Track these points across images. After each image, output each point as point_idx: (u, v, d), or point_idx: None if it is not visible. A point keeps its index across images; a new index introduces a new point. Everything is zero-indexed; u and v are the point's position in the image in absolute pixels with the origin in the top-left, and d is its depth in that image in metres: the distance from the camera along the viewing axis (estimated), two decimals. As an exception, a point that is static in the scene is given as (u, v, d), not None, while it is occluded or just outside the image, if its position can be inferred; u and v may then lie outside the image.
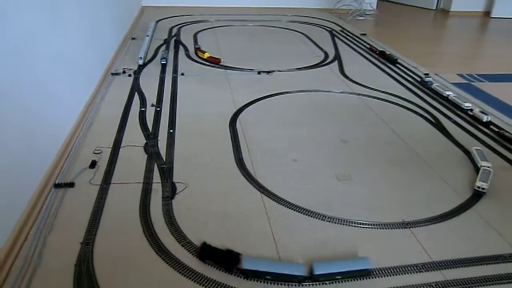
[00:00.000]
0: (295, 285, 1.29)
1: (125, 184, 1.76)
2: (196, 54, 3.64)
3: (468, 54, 4.28)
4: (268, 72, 3.25)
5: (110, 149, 2.03)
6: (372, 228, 1.55)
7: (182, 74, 3.12)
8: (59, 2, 2.12)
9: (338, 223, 1.57)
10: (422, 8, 6.80)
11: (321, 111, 2.59)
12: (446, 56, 4.23)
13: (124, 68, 3.19)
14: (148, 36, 4.06)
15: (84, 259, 1.35)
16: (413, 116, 2.58)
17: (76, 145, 2.06)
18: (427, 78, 3.16)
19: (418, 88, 3.07)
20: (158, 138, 2.15)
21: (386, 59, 3.74)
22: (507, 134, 2.31)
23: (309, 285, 1.30)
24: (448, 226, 1.58)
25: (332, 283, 1.30)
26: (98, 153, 1.98)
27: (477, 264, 1.40)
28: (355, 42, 4.36)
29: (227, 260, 1.34)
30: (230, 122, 2.36)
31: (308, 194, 1.74)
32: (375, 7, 6.26)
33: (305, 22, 5.28)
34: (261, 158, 2.01)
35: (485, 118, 2.48)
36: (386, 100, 2.80)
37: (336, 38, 4.49)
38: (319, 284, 1.30)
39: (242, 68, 3.33)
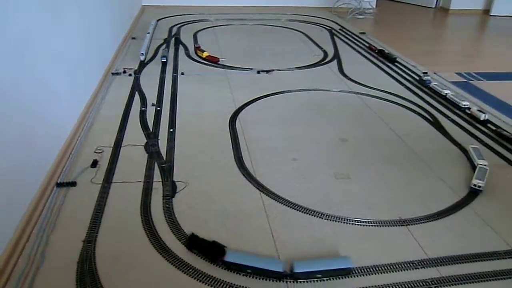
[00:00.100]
0: (276, 281, 1.32)
1: (126, 183, 1.78)
2: (196, 53, 3.66)
3: (467, 53, 4.29)
4: (267, 71, 3.27)
5: (111, 148, 2.05)
6: (369, 225, 1.58)
7: (182, 74, 3.15)
8: (59, 2, 2.14)
9: (336, 221, 1.59)
10: (422, 6, 6.81)
11: (320, 110, 2.61)
12: (445, 54, 4.25)
13: (124, 68, 3.21)
14: (149, 33, 4.11)
15: (86, 257, 1.38)
16: (411, 115, 2.60)
17: (78, 144, 2.08)
18: (426, 77, 3.18)
19: (417, 86, 3.09)
20: (159, 138, 2.17)
21: (385, 58, 3.76)
22: (504, 132, 2.33)
23: (289, 282, 1.32)
24: (445, 223, 1.61)
25: (314, 281, 1.32)
26: (99, 153, 2.01)
27: (472, 261, 1.42)
28: (354, 41, 4.38)
29: (212, 251, 1.39)
30: (230, 121, 2.39)
31: (306, 192, 1.77)
32: (374, 6, 6.27)
33: (304, 21, 5.29)
34: (260, 157, 2.03)
35: (482, 117, 2.50)
36: (385, 99, 2.82)
37: (335, 37, 4.51)
38: (304, 282, 1.32)
39: (242, 68, 3.35)
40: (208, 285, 1.30)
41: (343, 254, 1.43)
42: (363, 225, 1.58)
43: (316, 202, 1.70)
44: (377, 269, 1.37)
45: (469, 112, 2.62)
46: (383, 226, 1.58)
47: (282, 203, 1.68)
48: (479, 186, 1.78)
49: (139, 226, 1.53)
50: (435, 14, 6.37)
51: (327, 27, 4.98)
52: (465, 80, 3.33)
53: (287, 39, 4.37)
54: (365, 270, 1.36)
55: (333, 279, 1.33)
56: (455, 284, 1.32)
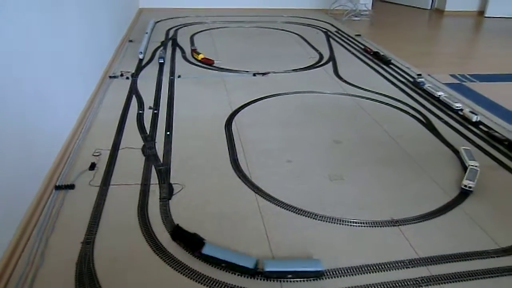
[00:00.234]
0: (248, 277, 1.36)
1: (123, 186, 1.82)
2: (192, 55, 3.70)
3: (461, 54, 4.34)
4: (263, 74, 3.31)
5: (109, 151, 2.08)
6: (362, 226, 1.61)
7: (179, 77, 3.18)
8: (57, 5, 2.17)
9: (329, 222, 1.63)
10: (417, 8, 6.86)
11: (315, 112, 2.65)
12: (439, 56, 4.30)
13: (122, 71, 3.24)
14: (147, 33, 4.21)
15: (85, 258, 1.41)
16: (405, 117, 2.64)
17: (76, 147, 2.11)
18: (420, 79, 3.23)
19: (411, 88, 3.13)
20: (156, 140, 2.21)
21: (380, 60, 3.80)
22: (495, 133, 2.37)
23: (260, 279, 1.35)
24: (435, 223, 1.65)
25: (286, 281, 1.35)
26: (97, 156, 2.04)
27: (462, 260, 1.46)
28: (350, 43, 4.42)
29: (191, 243, 1.45)
30: (226, 124, 2.42)
31: (301, 194, 1.80)
32: (370, 8, 6.32)
33: (300, 23, 5.34)
34: (256, 159, 2.07)
35: (474, 118, 2.54)
36: (379, 101, 2.86)
37: (331, 39, 4.55)
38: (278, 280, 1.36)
39: (238, 70, 3.39)
40: (205, 285, 1.33)
41: (335, 255, 1.46)
42: (356, 225, 1.62)
43: (310, 203, 1.73)
44: (368, 268, 1.41)
45: (461, 113, 2.66)
46: (375, 226, 1.62)
47: (276, 205, 1.72)
48: (470, 187, 1.82)
49: (137, 227, 1.57)
50: (431, 15, 6.43)
51: (323, 29, 5.02)
52: (459, 82, 3.38)
53: (283, 41, 4.41)
54: (357, 269, 1.40)
55: (324, 278, 1.36)
56: (444, 283, 1.35)
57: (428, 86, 3.08)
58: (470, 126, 2.52)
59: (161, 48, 3.89)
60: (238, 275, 1.36)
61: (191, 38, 4.40)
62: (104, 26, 3.41)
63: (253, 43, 4.30)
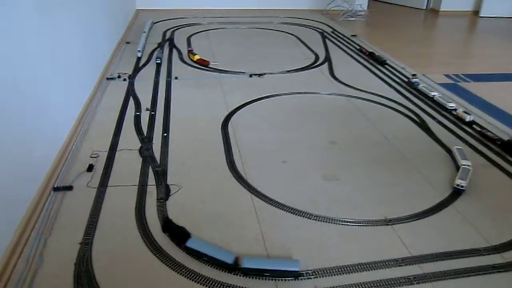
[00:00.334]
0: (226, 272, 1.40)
1: (121, 187, 1.84)
2: (189, 56, 3.73)
3: (456, 54, 4.38)
4: (259, 75, 3.33)
5: (107, 153, 2.11)
6: (356, 225, 1.64)
7: (176, 78, 3.20)
8: (54, 8, 2.19)
9: (323, 221, 1.66)
10: (413, 8, 6.90)
11: (311, 113, 2.68)
12: (434, 56, 4.33)
13: (119, 73, 3.26)
14: (145, 32, 4.33)
15: (83, 258, 1.43)
16: (399, 117, 2.67)
17: (74, 149, 2.14)
18: (414, 79, 3.26)
19: (405, 89, 3.16)
20: (153, 142, 2.23)
21: (375, 60, 3.83)
22: (488, 133, 2.41)
23: (239, 275, 1.39)
24: (428, 222, 1.68)
25: (264, 279, 1.38)
26: (95, 157, 2.06)
27: (453, 258, 1.49)
28: (346, 44, 4.45)
29: (178, 236, 1.50)
30: (222, 125, 2.45)
31: (296, 194, 1.83)
32: (366, 8, 6.35)
33: (297, 24, 5.36)
34: (251, 159, 2.09)
35: (468, 118, 2.57)
36: (374, 101, 2.89)
37: (327, 40, 4.58)
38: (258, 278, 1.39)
39: (234, 71, 3.41)
40: (202, 284, 1.35)
41: (330, 253, 1.49)
42: (350, 224, 1.65)
43: (304, 203, 1.76)
44: (362, 267, 1.43)
45: (455, 113, 2.69)
46: (369, 225, 1.65)
47: (272, 205, 1.75)
48: (462, 186, 1.85)
49: (134, 228, 1.59)
50: (426, 15, 6.46)
51: (319, 30, 5.05)
52: (453, 82, 3.41)
53: (279, 42, 4.44)
54: (351, 268, 1.43)
55: (319, 277, 1.39)
56: (436, 280, 1.38)
57: (423, 86, 3.11)
58: (463, 126, 2.55)
59: (158, 49, 3.93)
60: (223, 271, 1.40)
61: (188, 39, 4.42)
62: (101, 28, 3.43)
63: (250, 44, 4.32)
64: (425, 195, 1.85)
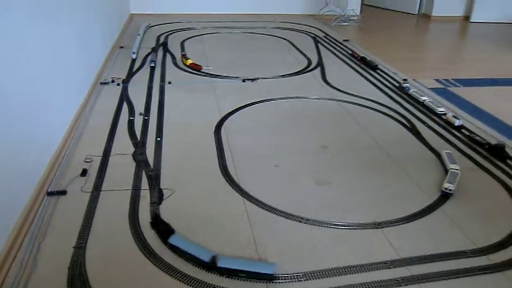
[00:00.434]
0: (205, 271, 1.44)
1: (115, 191, 1.86)
2: (182, 61, 3.77)
3: (446, 59, 4.44)
4: (252, 80, 3.37)
5: (100, 157, 2.13)
6: (346, 228, 1.67)
7: (170, 83, 3.23)
8: (48, 12, 2.21)
9: (314, 225, 1.68)
10: (405, 13, 6.97)
11: (303, 117, 2.71)
12: (425, 61, 4.39)
13: (113, 77, 3.28)
14: (139, 35, 4.43)
15: (77, 262, 1.45)
16: (390, 121, 2.71)
17: (67, 154, 2.15)
18: (405, 84, 3.30)
19: (396, 93, 3.20)
20: (146, 146, 2.25)
21: (367, 65, 3.88)
22: (476, 137, 2.45)
23: (215, 274, 1.43)
24: (417, 225, 1.71)
25: (240, 279, 1.41)
26: (88, 162, 2.08)
27: (441, 260, 1.52)
28: (338, 48, 4.50)
29: (162, 232, 1.57)
30: (215, 130, 2.47)
31: (287, 198, 1.86)
32: (358, 13, 6.41)
33: (290, 29, 5.41)
34: (244, 164, 2.12)
35: (457, 122, 2.62)
36: (365, 106, 2.93)
37: (319, 44, 4.62)
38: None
39: (227, 76, 3.45)
40: (194, 287, 1.37)
41: (320, 256, 1.52)
42: (340, 228, 1.68)
43: (296, 207, 1.79)
44: (351, 269, 1.46)
45: (444, 118, 2.74)
46: (359, 228, 1.68)
47: (263, 209, 1.77)
48: (450, 190, 1.89)
49: (128, 232, 1.61)
50: (418, 20, 6.54)
51: (311, 35, 5.10)
52: (443, 87, 3.46)
53: (272, 47, 4.48)
54: (341, 270, 1.46)
55: (311, 278, 1.42)
56: (423, 282, 1.42)
57: (413, 91, 3.16)
58: (452, 130, 2.60)
59: (152, 53, 3.95)
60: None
61: (182, 44, 4.45)
62: (95, 33, 3.45)
63: (243, 49, 4.36)
64: (414, 199, 1.89)
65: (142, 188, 1.89)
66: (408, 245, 1.59)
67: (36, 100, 1.93)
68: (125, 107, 2.76)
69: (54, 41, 2.29)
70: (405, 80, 3.49)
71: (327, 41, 4.83)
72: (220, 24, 5.55)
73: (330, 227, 1.68)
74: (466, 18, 6.52)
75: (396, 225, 1.71)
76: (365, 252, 1.55)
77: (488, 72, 3.89)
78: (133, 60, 3.77)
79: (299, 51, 4.30)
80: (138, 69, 3.53)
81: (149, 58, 3.79)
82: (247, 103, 2.88)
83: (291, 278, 1.42)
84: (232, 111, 2.75)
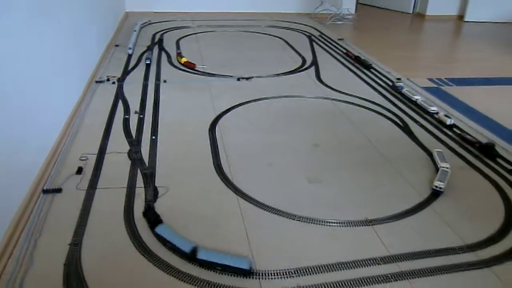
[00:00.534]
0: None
1: (110, 189, 1.88)
2: (177, 59, 3.79)
3: (440, 59, 4.47)
4: (247, 78, 3.39)
5: (96, 155, 2.14)
6: (337, 226, 1.70)
7: (165, 81, 3.25)
8: (42, 12, 2.22)
9: (306, 222, 1.71)
10: (399, 12, 7.01)
11: (296, 116, 2.74)
12: (419, 60, 4.43)
13: (108, 76, 3.29)
14: (135, 31, 4.52)
15: (72, 259, 1.47)
16: (383, 120, 2.74)
17: (63, 152, 2.17)
18: (398, 83, 3.34)
19: (389, 92, 3.24)
20: (141, 145, 2.27)
21: (361, 64, 3.91)
22: (467, 136, 2.49)
23: (194, 265, 1.47)
24: (407, 222, 1.74)
25: (218, 272, 1.45)
26: (84, 160, 2.10)
27: (430, 256, 1.55)
28: (333, 47, 4.53)
29: (151, 221, 1.65)
30: (209, 128, 2.50)
31: (280, 196, 1.89)
32: (353, 12, 6.44)
33: (285, 27, 5.43)
34: (238, 162, 2.14)
35: (448, 121, 2.66)
36: (358, 105, 2.96)
37: (314, 43, 4.65)
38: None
39: (222, 75, 3.47)
40: (189, 283, 1.40)
41: (312, 253, 1.55)
42: (332, 225, 1.71)
43: (289, 205, 1.82)
44: (342, 265, 1.49)
45: (436, 117, 2.77)
46: (350, 226, 1.71)
47: (257, 206, 1.80)
48: (440, 188, 1.92)
49: (123, 229, 1.63)
50: (412, 19, 6.57)
51: (306, 33, 5.13)
52: (436, 86, 3.50)
53: (267, 46, 4.50)
54: (332, 266, 1.49)
55: (302, 274, 1.45)
56: (412, 278, 1.45)
57: (406, 90, 3.19)
58: (444, 129, 2.63)
59: (148, 51, 3.97)
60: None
61: (177, 42, 4.46)
62: (90, 31, 3.45)
63: (238, 48, 4.38)
64: (405, 197, 1.92)
65: (137, 186, 1.91)
66: (398, 242, 1.62)
67: (32, 98, 1.94)
68: (120, 105, 2.77)
69: (49, 40, 2.30)
70: (398, 79, 3.52)
71: (322, 40, 4.86)
72: (216, 22, 5.57)
73: (322, 225, 1.71)
74: (460, 17, 6.56)
75: (387, 222, 1.74)
76: (356, 249, 1.58)
77: (482, 72, 3.93)
78: (129, 59, 3.78)
79: (294, 50, 4.32)
80: (133, 68, 3.55)
81: (144, 56, 3.81)
82: (242, 102, 2.91)
83: (283, 274, 1.45)
84: (227, 110, 2.77)
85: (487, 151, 2.30)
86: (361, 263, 1.51)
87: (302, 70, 3.68)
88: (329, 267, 1.49)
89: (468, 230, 1.71)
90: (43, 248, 1.52)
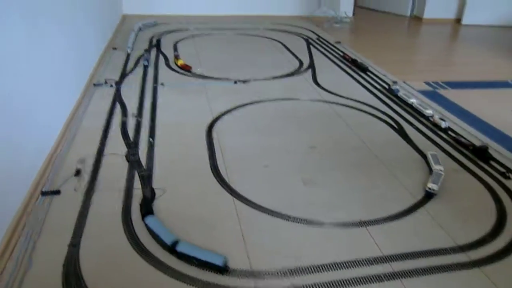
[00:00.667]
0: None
1: (108, 191, 1.90)
2: (174, 62, 3.83)
3: (437, 62, 4.51)
4: (244, 81, 3.42)
5: (94, 158, 2.17)
6: (331, 227, 1.73)
7: (162, 84, 3.27)
8: (40, 15, 2.24)
9: (301, 223, 1.74)
10: (397, 15, 7.06)
11: (292, 118, 2.77)
12: (415, 63, 4.47)
13: (106, 79, 3.32)
14: (134, 31, 4.65)
15: (71, 259, 1.49)
16: (378, 123, 2.77)
17: (61, 155, 2.19)
18: (394, 86, 3.37)
19: (386, 95, 3.27)
20: (139, 147, 2.30)
21: (358, 67, 3.94)
22: (462, 139, 2.52)
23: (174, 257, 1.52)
24: (400, 224, 1.77)
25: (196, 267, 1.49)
26: (82, 162, 2.12)
27: (422, 257, 1.58)
28: (330, 50, 4.56)
29: (143, 211, 1.73)
30: (207, 131, 2.52)
31: (276, 197, 1.91)
32: (351, 15, 6.49)
33: (282, 30, 5.47)
34: (234, 164, 2.17)
35: (443, 125, 2.69)
36: (355, 108, 2.99)
37: (311, 46, 4.68)
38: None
39: (219, 78, 3.50)
40: (186, 284, 1.42)
41: (307, 253, 1.58)
42: (326, 226, 1.73)
43: (284, 206, 1.84)
44: (336, 266, 1.52)
45: (431, 120, 2.80)
46: (344, 227, 1.74)
47: (253, 208, 1.83)
48: (434, 190, 1.95)
49: (121, 230, 1.66)
50: (410, 23, 6.62)
51: (304, 36, 5.16)
52: (432, 89, 3.53)
53: (264, 49, 4.54)
54: (325, 267, 1.51)
55: (297, 274, 1.47)
56: (404, 277, 1.48)
57: (402, 93, 3.23)
58: (439, 132, 2.66)
59: (145, 53, 4.00)
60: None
61: (175, 45, 4.49)
62: (88, 34, 3.48)
63: (235, 51, 4.41)
64: (399, 199, 1.95)
65: (134, 187, 1.93)
66: (391, 243, 1.65)
67: (30, 101, 1.97)
68: (118, 108, 2.80)
69: (47, 43, 2.33)
70: (394, 82, 3.55)
71: (319, 43, 4.89)
72: (213, 25, 5.60)
73: (316, 226, 1.74)
74: (458, 20, 6.61)
75: (381, 223, 1.77)
76: (349, 250, 1.61)
77: (478, 75, 3.96)
78: (126, 61, 3.81)
79: (291, 53, 4.35)
80: (131, 71, 3.57)
81: (141, 60, 3.84)
82: (239, 104, 2.94)
83: (278, 274, 1.47)
84: (224, 112, 2.80)
85: (481, 153, 2.33)
86: (355, 263, 1.54)
87: (299, 73, 3.71)
88: (323, 267, 1.51)
89: (460, 232, 1.74)
90: (42, 250, 1.55)
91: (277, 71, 3.71)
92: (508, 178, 2.15)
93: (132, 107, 2.81)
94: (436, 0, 6.55)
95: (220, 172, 2.09)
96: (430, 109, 2.93)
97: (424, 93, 3.40)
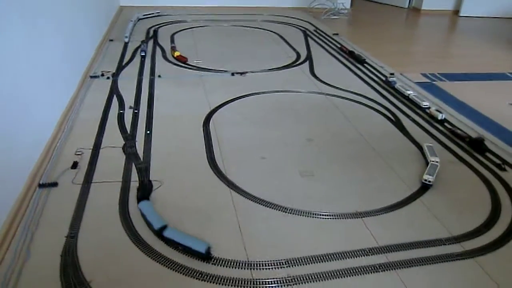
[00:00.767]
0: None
1: (105, 183, 1.91)
2: (171, 53, 3.82)
3: (434, 54, 4.51)
4: (241, 73, 3.41)
5: (91, 150, 2.17)
6: (327, 218, 1.74)
7: (159, 76, 3.27)
8: (36, 9, 2.24)
9: (297, 215, 1.75)
10: (395, 6, 7.03)
11: (290, 111, 2.77)
12: (413, 55, 4.46)
13: (102, 71, 3.31)
14: (132, 21, 4.69)
15: (69, 250, 1.50)
16: (375, 115, 2.78)
17: (58, 147, 2.19)
18: (391, 78, 3.37)
19: (383, 87, 3.27)
20: (136, 139, 2.30)
21: (355, 59, 3.94)
22: (458, 131, 2.53)
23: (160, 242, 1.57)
24: (396, 215, 1.78)
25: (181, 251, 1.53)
26: (79, 155, 2.12)
27: (417, 247, 1.60)
28: (327, 42, 4.55)
29: (140, 197, 1.79)
30: (204, 123, 2.53)
31: (273, 189, 1.92)
32: (349, 6, 6.46)
33: (280, 22, 5.45)
34: (231, 156, 2.18)
35: (440, 116, 2.69)
36: (352, 100, 2.99)
37: (309, 38, 4.67)
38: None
39: (216, 70, 3.49)
40: (183, 274, 1.44)
41: (303, 244, 1.59)
42: (322, 218, 1.75)
43: (281, 198, 1.85)
44: (331, 256, 1.53)
45: (428, 112, 2.81)
46: (340, 218, 1.75)
47: (249, 199, 1.84)
48: (429, 181, 1.96)
49: (118, 222, 1.67)
50: (408, 14, 6.60)
51: (301, 28, 5.15)
52: (429, 81, 3.53)
53: (262, 41, 4.52)
54: (321, 257, 1.53)
55: (293, 265, 1.49)
56: (399, 268, 1.49)
57: (399, 85, 3.23)
58: (435, 124, 2.67)
59: (143, 44, 3.98)
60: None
61: (172, 37, 4.48)
62: (84, 25, 3.47)
63: (233, 42, 4.40)
64: (395, 190, 1.96)
65: (132, 180, 1.94)
66: (386, 234, 1.66)
67: (26, 94, 1.96)
68: (115, 100, 2.79)
69: (43, 35, 2.32)
70: (391, 74, 3.55)
71: (317, 34, 4.88)
72: (210, 17, 5.57)
73: (313, 217, 1.75)
74: (456, 12, 6.60)
75: (377, 215, 1.78)
76: (345, 241, 1.62)
77: (475, 67, 3.97)
78: (123, 53, 3.79)
79: (289, 45, 4.34)
80: (127, 63, 3.56)
81: (138, 51, 3.82)
82: (236, 96, 2.94)
83: (274, 265, 1.49)
84: (221, 104, 2.80)
85: (477, 145, 2.34)
86: (351, 254, 1.55)
87: (297, 65, 3.71)
88: (319, 258, 1.53)
89: (455, 223, 1.75)
90: (39, 241, 1.56)
91: (274, 63, 3.70)
92: (504, 169, 2.16)
93: (129, 100, 2.81)
94: (434, -8, 6.55)
95: (217, 164, 2.09)
96: (427, 101, 2.93)
97: (421, 85, 3.41)
